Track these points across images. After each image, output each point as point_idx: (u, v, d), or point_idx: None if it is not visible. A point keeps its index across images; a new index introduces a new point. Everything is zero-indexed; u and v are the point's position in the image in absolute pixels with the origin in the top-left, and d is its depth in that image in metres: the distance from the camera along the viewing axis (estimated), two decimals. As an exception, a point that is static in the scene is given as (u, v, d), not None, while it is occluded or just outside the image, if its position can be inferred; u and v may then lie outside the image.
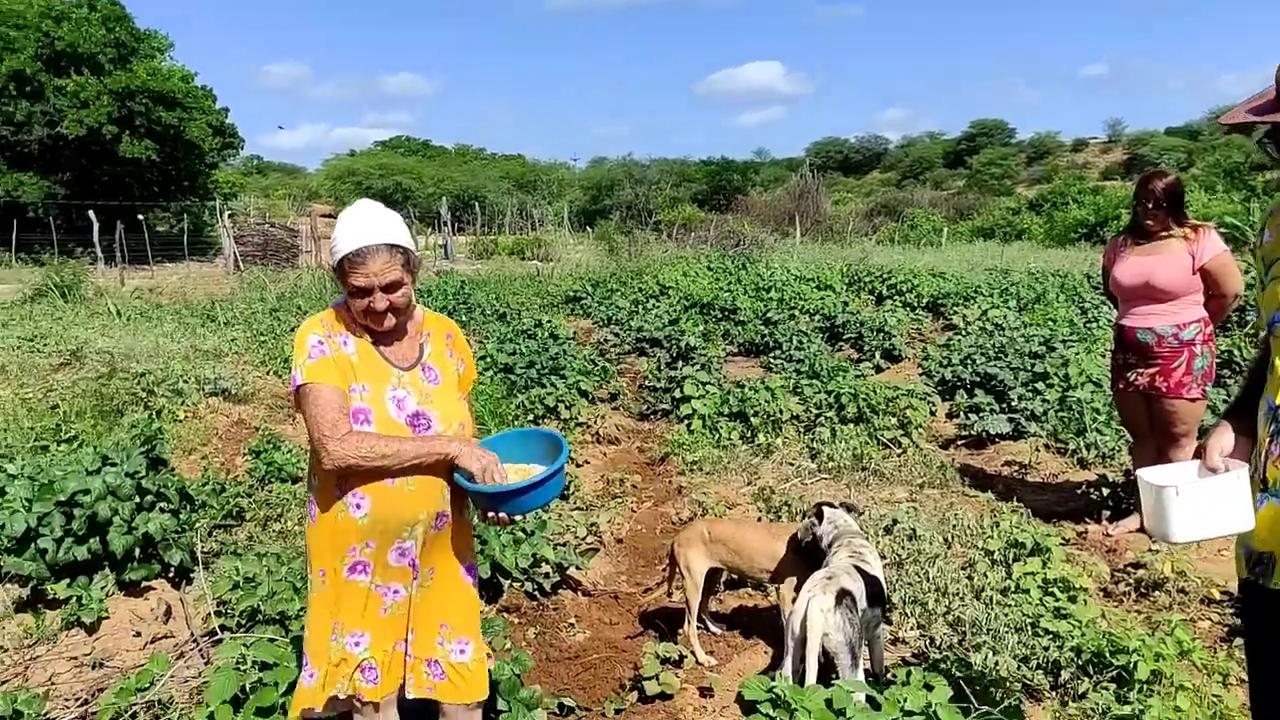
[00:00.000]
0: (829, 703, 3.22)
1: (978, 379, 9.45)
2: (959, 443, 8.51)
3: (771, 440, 8.34)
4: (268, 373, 11.17)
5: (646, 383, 10.81)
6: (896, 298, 16.67)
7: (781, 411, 8.72)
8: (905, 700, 3.13)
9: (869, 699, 3.37)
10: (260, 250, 29.03)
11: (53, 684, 4.36)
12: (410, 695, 3.01)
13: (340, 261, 2.75)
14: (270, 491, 6.92)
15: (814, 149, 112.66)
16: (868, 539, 4.23)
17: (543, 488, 2.74)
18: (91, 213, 26.39)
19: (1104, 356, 10.28)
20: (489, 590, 5.04)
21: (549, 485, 2.76)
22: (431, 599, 2.97)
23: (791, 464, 7.74)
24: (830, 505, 4.32)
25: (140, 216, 30.11)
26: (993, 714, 3.14)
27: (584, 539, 6.06)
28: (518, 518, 2.88)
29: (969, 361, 9.98)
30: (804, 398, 9.09)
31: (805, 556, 4.26)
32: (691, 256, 23.92)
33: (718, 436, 8.61)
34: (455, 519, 2.95)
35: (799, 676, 3.58)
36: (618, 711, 4.14)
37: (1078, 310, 14.12)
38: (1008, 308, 14.54)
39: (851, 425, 8.46)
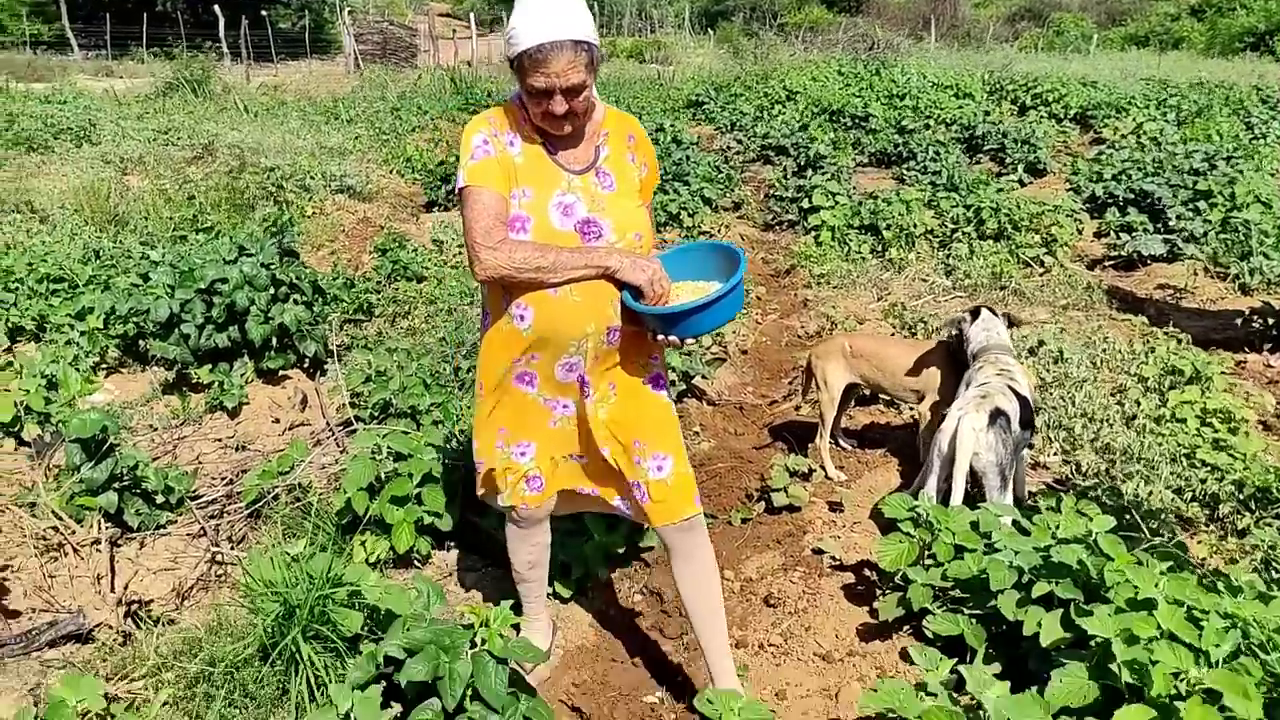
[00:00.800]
0: (974, 525, 3.09)
1: (1131, 196, 8.81)
2: (1106, 264, 8.02)
3: (904, 255, 7.99)
4: (391, 171, 11.16)
5: (772, 191, 10.44)
6: (1042, 108, 15.59)
7: (916, 225, 8.30)
8: (1058, 527, 2.96)
9: (1016, 524, 3.22)
10: (379, 49, 28.76)
11: (199, 463, 4.54)
12: (628, 514, 2.86)
13: (518, 57, 2.42)
14: (396, 289, 6.97)
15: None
16: (1017, 357, 3.98)
17: (717, 307, 2.43)
18: (217, 7, 26.37)
19: (1274, 175, 9.46)
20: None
21: (724, 304, 2.44)
22: (620, 417, 2.72)
23: (924, 280, 7.41)
24: (991, 310, 4.04)
25: (264, 12, 30.00)
26: (1156, 544, 2.96)
27: (709, 349, 5.95)
28: (689, 341, 2.57)
29: (1122, 177, 9.30)
30: (940, 211, 8.63)
31: (952, 375, 4.05)
32: (820, 60, 22.71)
33: (847, 250, 8.29)
34: (632, 331, 2.64)
35: (943, 496, 3.44)
36: (744, 521, 4.11)
37: (1243, 126, 12.98)
38: (1165, 121, 13.45)
39: (990, 242, 8.02)
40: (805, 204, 9.20)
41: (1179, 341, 5.42)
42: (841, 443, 4.70)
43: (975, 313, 4.04)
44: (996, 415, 3.39)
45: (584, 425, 2.74)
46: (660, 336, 2.53)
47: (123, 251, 6.17)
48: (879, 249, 8.23)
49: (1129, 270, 7.78)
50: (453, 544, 3.80)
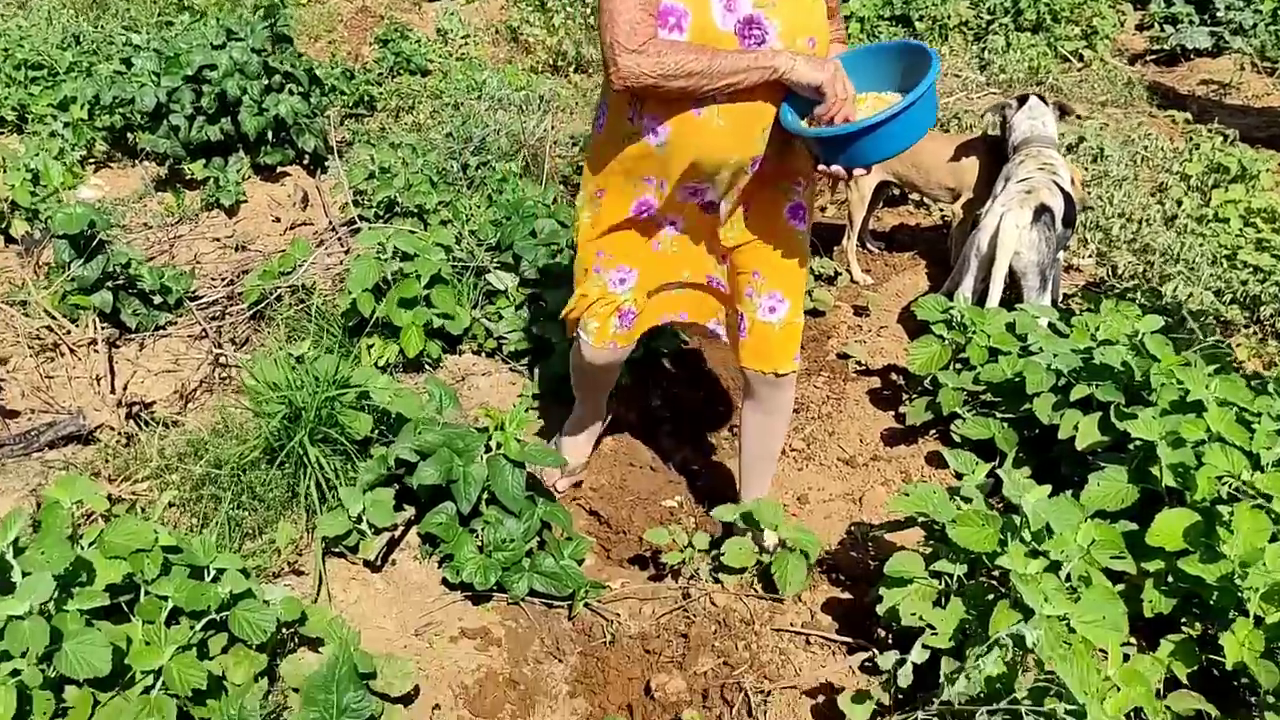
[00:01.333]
0: (1010, 326, 2.93)
1: (1179, -15, 8.21)
2: (1148, 58, 7.55)
3: (937, 49, 7.52)
4: (391, -43, 10.48)
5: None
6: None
7: (950, 16, 7.79)
8: (1098, 329, 2.80)
9: (1052, 327, 3.06)
10: None
11: (198, 263, 4.37)
12: (725, 340, 2.64)
13: None
14: (399, 83, 6.60)
15: None
16: (1060, 152, 3.72)
17: (903, 123, 1.94)
18: None
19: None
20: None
21: (912, 119, 1.95)
22: (744, 240, 2.40)
23: (957, 76, 7.00)
24: (1040, 98, 3.72)
25: None
26: (1204, 345, 2.80)
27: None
28: (860, 171, 2.10)
29: (1171, -36, 8.65)
30: (976, 2, 8.08)
31: (990, 170, 3.79)
32: None
33: (875, 38, 7.81)
34: (776, 154, 2.25)
35: (979, 297, 3.27)
36: (765, 323, 3.96)
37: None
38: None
39: (1028, 34, 7.54)
40: (831, -6, 8.64)
41: (1224, 139, 5.11)
42: (869, 245, 4.49)
43: (1023, 99, 3.74)
44: (1041, 212, 3.16)
45: (694, 245, 2.46)
46: (825, 166, 2.11)
47: (104, 37, 5.80)
48: (912, 36, 7.76)
49: (1171, 65, 7.34)
50: (464, 348, 3.67)
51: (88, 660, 1.89)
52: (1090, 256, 4.23)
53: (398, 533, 2.71)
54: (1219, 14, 7.59)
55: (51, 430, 3.21)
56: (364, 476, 2.65)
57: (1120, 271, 4.01)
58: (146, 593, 2.11)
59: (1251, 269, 3.85)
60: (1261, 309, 3.62)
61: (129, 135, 5.17)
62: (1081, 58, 7.29)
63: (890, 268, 4.33)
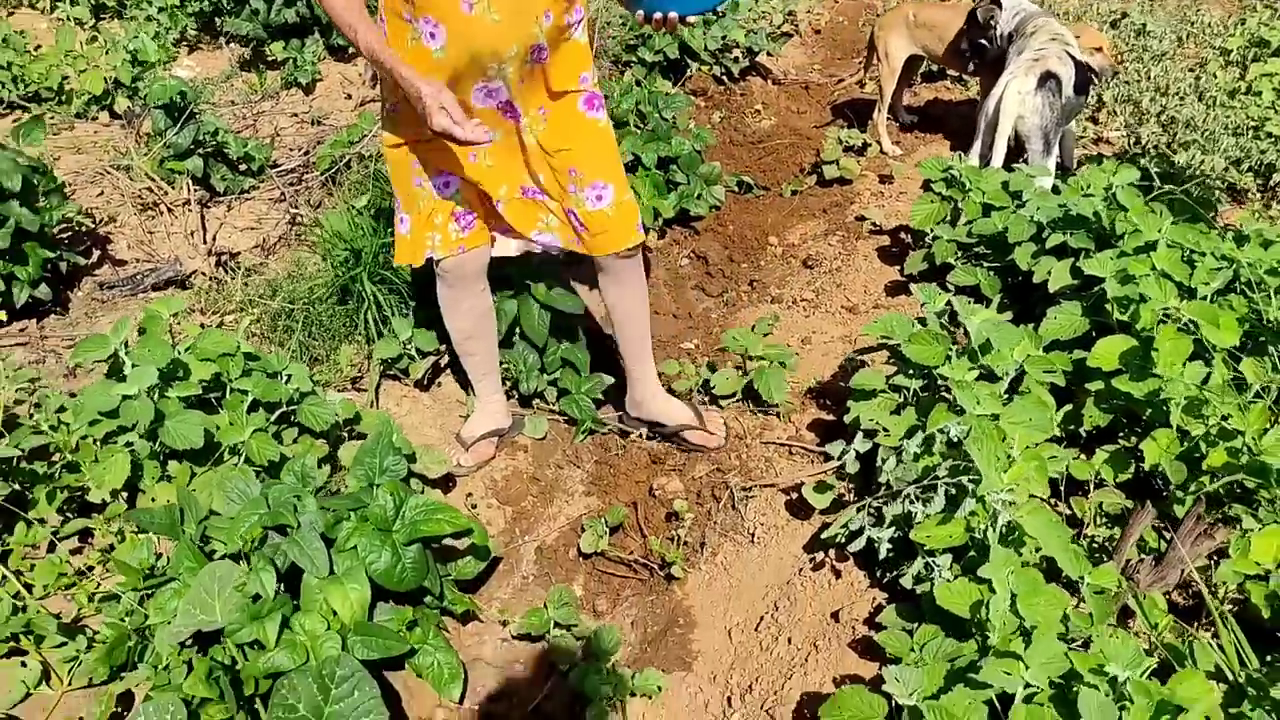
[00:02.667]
0: (1005, 185, 3.15)
1: None
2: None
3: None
4: None
5: None
6: None
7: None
8: (1089, 185, 3.01)
9: (1056, 190, 3.27)
10: None
11: (278, 135, 4.77)
12: (556, 245, 2.66)
13: None
14: None
15: None
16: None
17: None
18: None
19: None
20: (675, 72, 5.00)
21: None
22: (552, 142, 2.47)
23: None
24: (995, 3, 3.87)
25: None
26: (1175, 193, 2.99)
27: (779, 26, 5.80)
28: (691, 19, 2.16)
29: None
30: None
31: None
32: None
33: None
34: (558, 47, 2.36)
35: (984, 161, 3.49)
36: (794, 193, 4.22)
37: None
38: None
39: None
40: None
41: (1275, 11, 5.09)
42: (902, 117, 4.67)
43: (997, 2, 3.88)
44: (1046, 78, 3.35)
45: (507, 157, 2.49)
46: (649, 14, 2.15)
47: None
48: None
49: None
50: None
51: (185, 435, 2.34)
52: (1120, 129, 4.35)
53: (442, 360, 3.11)
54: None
55: (154, 274, 3.67)
56: (413, 309, 3.05)
57: (1144, 142, 4.15)
58: (230, 389, 2.54)
59: (1274, 139, 3.96)
60: (1275, 175, 3.75)
61: (216, 20, 5.55)
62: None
63: (920, 140, 4.52)
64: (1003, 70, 3.64)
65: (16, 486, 2.45)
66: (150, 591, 2.13)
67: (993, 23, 3.86)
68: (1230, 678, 1.76)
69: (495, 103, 2.39)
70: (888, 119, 4.45)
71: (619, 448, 2.91)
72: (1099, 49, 3.78)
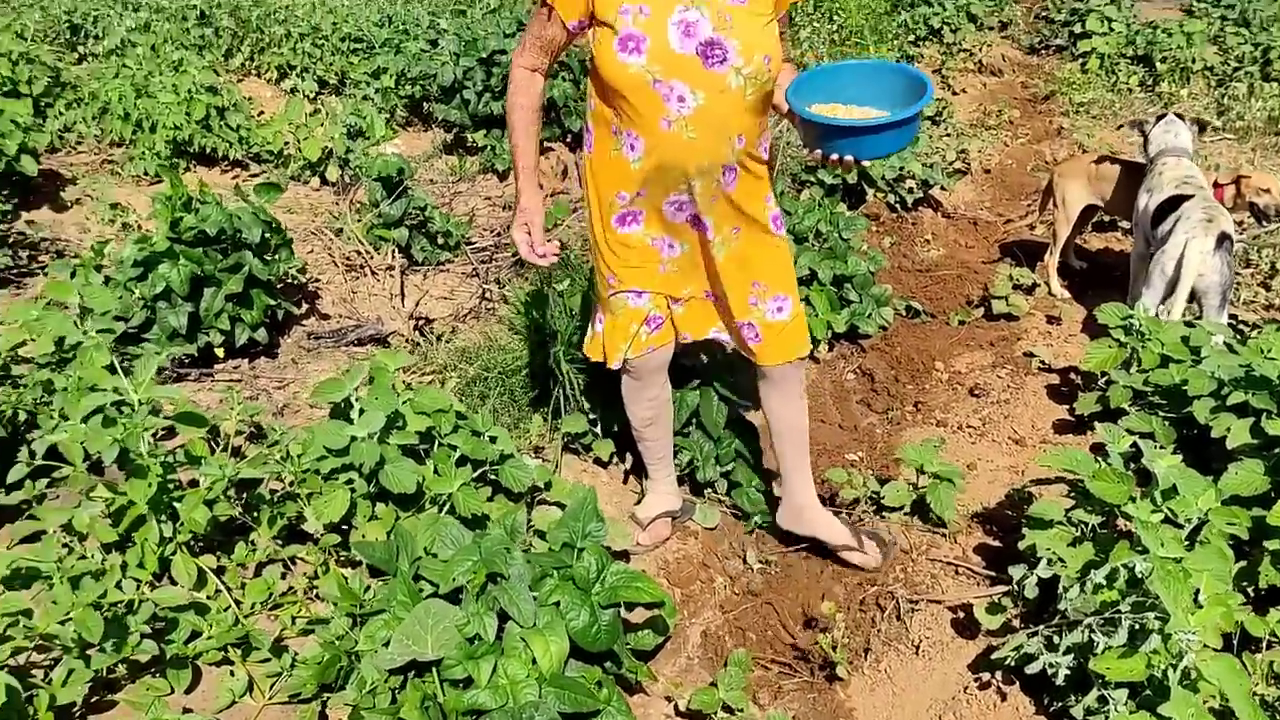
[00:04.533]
0: (1185, 339, 3.21)
1: None
2: None
3: (1175, 91, 7.54)
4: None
5: (1044, 13, 9.89)
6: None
7: (1194, 61, 7.77)
8: (1270, 348, 3.04)
9: (1228, 345, 3.31)
10: None
11: (473, 215, 5.13)
12: (733, 348, 2.83)
13: None
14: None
15: None
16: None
17: (893, 132, 2.17)
18: None
19: None
20: (851, 195, 5.21)
21: (900, 132, 2.18)
22: (741, 257, 2.60)
23: (1191, 117, 7.02)
24: (1178, 115, 4.10)
25: None
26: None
27: (951, 163, 5.98)
28: (865, 162, 2.36)
29: None
30: (1224, 48, 8.02)
31: (1126, 187, 4.13)
32: None
33: (1114, 80, 7.88)
34: (749, 171, 2.49)
35: (1160, 313, 3.55)
36: (961, 322, 4.32)
37: None
38: None
39: (1275, 85, 7.44)
40: (1077, 28, 8.72)
41: None
42: (1072, 263, 4.76)
43: (1160, 116, 4.12)
44: (1223, 239, 3.43)
45: (692, 265, 2.65)
46: (822, 154, 2.24)
47: (413, 19, 6.72)
48: (1149, 82, 7.79)
49: None
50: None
51: (401, 480, 2.55)
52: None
53: (622, 440, 3.29)
54: None
55: (357, 331, 3.98)
56: (599, 389, 3.25)
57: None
58: (440, 443, 2.76)
59: None
60: None
61: (424, 105, 6.03)
62: (1333, 111, 7.14)
63: (1088, 285, 4.58)
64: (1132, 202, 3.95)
65: (239, 510, 2.70)
66: (361, 619, 2.31)
67: (1145, 133, 4.14)
68: None
69: (685, 216, 2.54)
70: (1058, 262, 4.54)
71: (782, 546, 3.02)
72: (1267, 190, 3.89)
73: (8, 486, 2.74)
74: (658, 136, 2.35)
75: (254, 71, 6.49)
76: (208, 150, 5.35)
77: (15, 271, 4.22)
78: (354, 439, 2.56)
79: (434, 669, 2.08)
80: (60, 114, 5.59)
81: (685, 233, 2.59)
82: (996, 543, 2.87)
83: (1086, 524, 2.49)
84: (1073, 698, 2.19)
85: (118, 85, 5.53)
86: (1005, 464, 3.28)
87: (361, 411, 2.64)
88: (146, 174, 5.29)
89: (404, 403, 2.77)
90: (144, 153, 5.32)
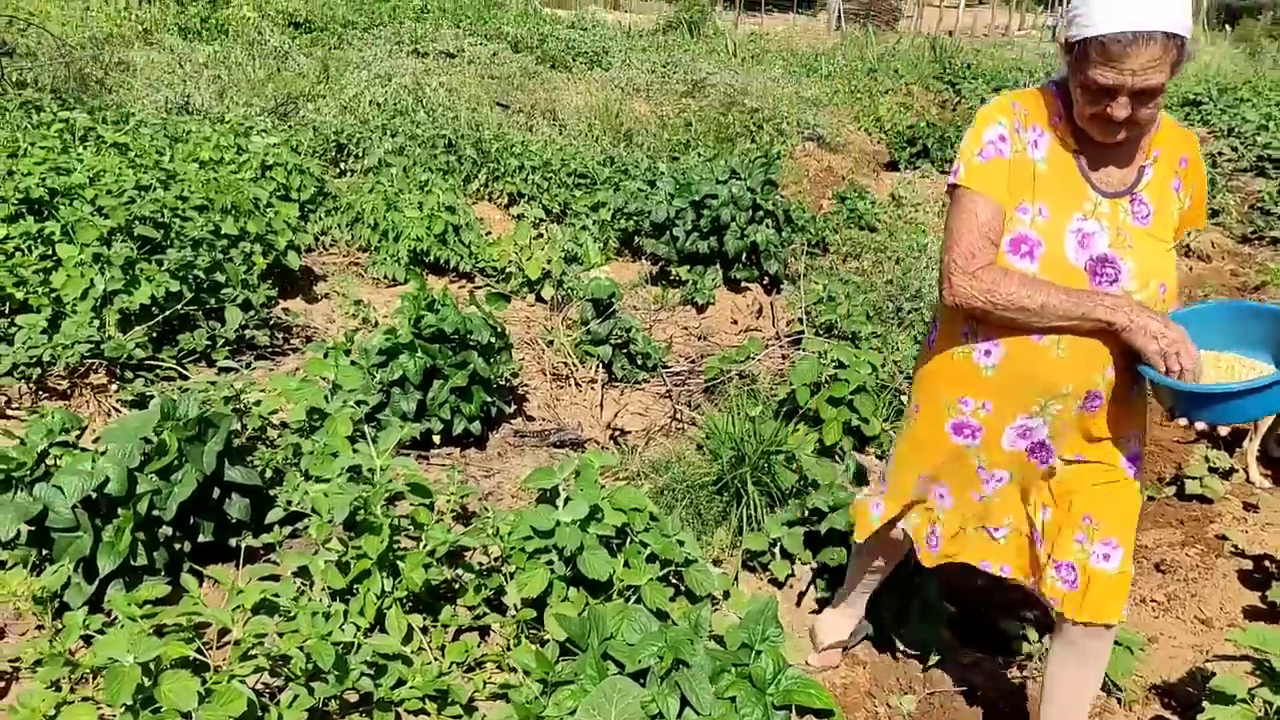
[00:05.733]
0: (1396, 539, 3.12)
1: None
2: None
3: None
4: (859, 128, 11.70)
5: (1259, 204, 9.72)
6: None
7: None
8: None
9: None
10: (864, 9, 29.19)
11: (670, 342, 5.45)
12: (1040, 593, 2.43)
13: (1084, 42, 1.97)
14: (849, 235, 7.54)
15: None
16: None
17: (1264, 394, 1.92)
18: (720, -44, 28.19)
19: None
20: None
21: (1273, 392, 1.92)
22: (1079, 485, 2.29)
23: None
24: None
25: (760, -36, 31.55)
26: None
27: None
28: (1222, 429, 2.08)
29: None
30: None
31: None
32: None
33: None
34: (1116, 397, 2.19)
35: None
36: (1150, 499, 4.27)
37: None
38: None
39: None
40: (1294, 220, 8.56)
41: None
42: (1273, 452, 4.63)
43: None
44: None
45: (1021, 497, 2.39)
46: (1180, 419, 2.05)
47: (632, 161, 7.28)
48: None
49: None
50: (871, 450, 4.35)
51: (597, 567, 2.78)
52: None
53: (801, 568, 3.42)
54: None
55: (559, 434, 4.30)
56: (785, 514, 3.41)
57: None
58: (632, 540, 2.98)
59: None
60: None
61: (635, 238, 6.49)
62: None
63: (1290, 477, 4.45)
64: None
65: (451, 575, 2.98)
66: (550, 688, 2.51)
67: None
68: None
69: (1027, 444, 2.29)
70: (1259, 452, 4.44)
71: (949, 684, 3.05)
72: None
73: (259, 530, 3.12)
74: (1023, 348, 2.16)
75: (487, 197, 7.14)
76: (441, 261, 5.91)
77: (271, 350, 4.76)
78: (559, 523, 2.81)
79: (615, 739, 2.24)
80: (320, 219, 6.31)
81: (1021, 463, 2.33)
82: (1174, 717, 2.83)
83: (1271, 705, 2.45)
84: None
85: (371, 199, 6.22)
86: (1189, 643, 3.22)
87: (568, 500, 2.89)
88: (386, 277, 5.88)
89: (604, 498, 3.01)
90: (386, 258, 5.93)
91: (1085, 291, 2.08)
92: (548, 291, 5.78)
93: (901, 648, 3.12)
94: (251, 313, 4.77)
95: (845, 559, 3.22)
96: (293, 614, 2.57)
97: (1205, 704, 2.53)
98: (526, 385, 4.77)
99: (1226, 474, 4.36)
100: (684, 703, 2.28)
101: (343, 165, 7.40)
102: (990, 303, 2.11)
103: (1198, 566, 3.62)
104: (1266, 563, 3.59)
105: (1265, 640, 2.50)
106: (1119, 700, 2.91)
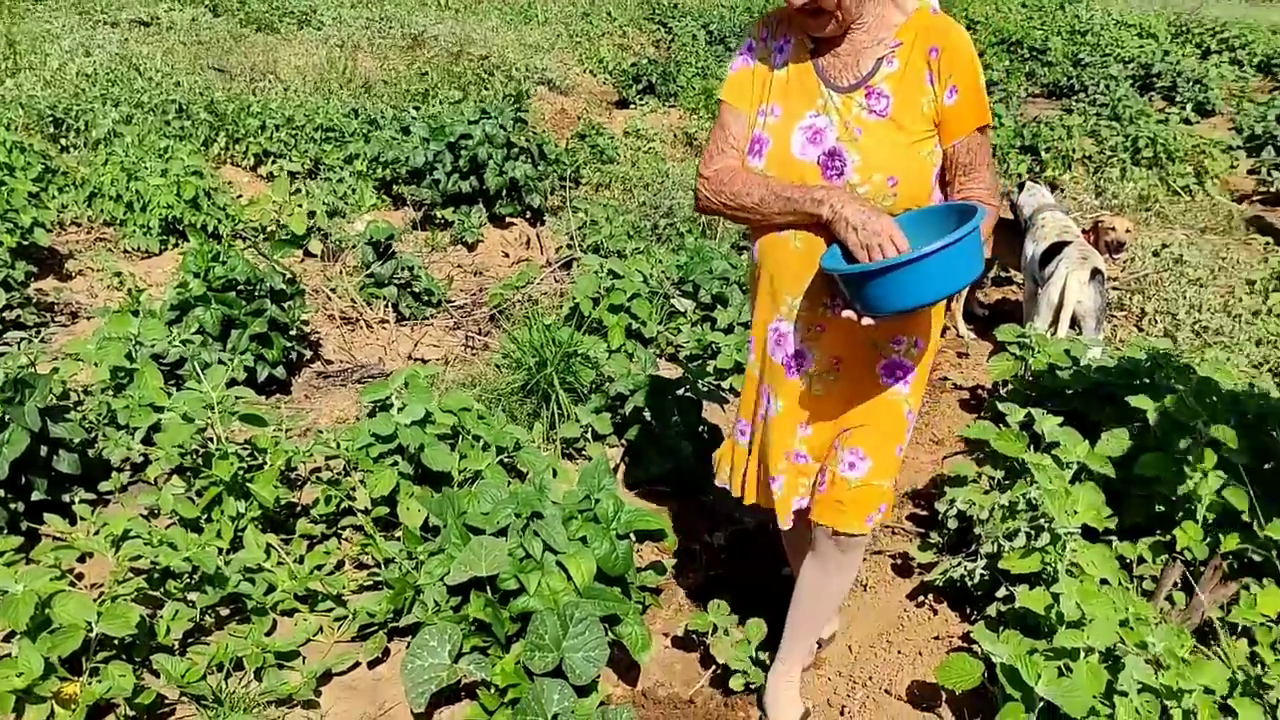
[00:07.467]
0: (1067, 350, 3.93)
1: (1291, 136, 9.07)
2: (1254, 198, 8.40)
3: (1059, 176, 8.57)
4: (585, 70, 12.16)
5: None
6: (1225, 53, 15.40)
7: (1074, 150, 8.85)
8: (1131, 355, 3.77)
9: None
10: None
11: (450, 278, 5.71)
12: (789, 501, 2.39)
13: None
14: (598, 168, 8.00)
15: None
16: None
17: (918, 275, 1.82)
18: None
19: None
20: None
21: (944, 261, 1.79)
22: (834, 392, 2.26)
23: (1074, 199, 8.01)
24: (1033, 180, 4.95)
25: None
26: (1203, 360, 3.75)
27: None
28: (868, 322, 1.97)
29: (1286, 118, 9.51)
30: (1099, 139, 9.12)
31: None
32: (1003, -7, 22.47)
33: (1005, 167, 8.89)
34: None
35: (1050, 332, 4.29)
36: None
37: None
38: (1353, 73, 13.24)
39: (1144, 169, 8.51)
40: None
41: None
42: (975, 310, 5.53)
43: (1020, 185, 5.04)
44: (1095, 273, 4.22)
45: (786, 418, 2.33)
46: (863, 317, 1.96)
47: (377, 111, 7.38)
48: (1036, 169, 8.81)
49: (1275, 205, 8.18)
50: (656, 350, 4.82)
51: (441, 459, 3.08)
52: (1159, 334, 5.16)
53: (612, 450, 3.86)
54: (1325, 163, 8.43)
55: (361, 370, 4.50)
56: (593, 402, 3.83)
57: (1179, 343, 4.94)
58: (464, 436, 3.30)
59: (1294, 349, 4.74)
60: (1291, 377, 4.51)
61: (393, 186, 6.65)
62: (1190, 193, 8.21)
63: (989, 327, 5.34)
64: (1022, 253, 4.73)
65: (295, 497, 3.20)
66: (417, 565, 2.82)
67: (1013, 198, 4.86)
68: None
69: (784, 355, 2.29)
70: (964, 311, 5.30)
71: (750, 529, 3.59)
72: (1112, 228, 4.84)
73: (90, 486, 3.21)
74: (770, 244, 2.20)
75: (230, 160, 7.03)
76: (197, 226, 5.85)
77: (38, 328, 4.65)
78: (399, 425, 3.10)
79: (487, 587, 2.59)
80: (54, 197, 6.05)
81: (779, 379, 2.31)
82: (924, 511, 3.50)
83: (993, 478, 3.13)
84: (987, 605, 2.79)
85: (109, 170, 6.03)
86: (928, 460, 3.93)
87: (404, 406, 3.18)
88: (139, 249, 5.76)
89: (433, 404, 3.31)
90: (135, 230, 5.80)
91: (800, 185, 2.08)
92: (315, 245, 5.87)
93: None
94: (14, 292, 4.64)
95: (648, 437, 3.69)
96: (158, 540, 2.73)
97: (946, 488, 3.18)
98: (318, 332, 4.91)
99: (943, 331, 5.17)
100: (544, 547, 2.65)
101: (64, 141, 7.06)
102: (721, 203, 2.20)
103: (928, 402, 4.37)
104: (979, 391, 4.38)
105: (984, 430, 3.18)
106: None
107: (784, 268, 2.19)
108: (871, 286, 1.88)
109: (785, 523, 2.40)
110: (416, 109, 8.30)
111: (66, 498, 3.17)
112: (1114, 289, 5.59)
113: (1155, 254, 5.99)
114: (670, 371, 4.70)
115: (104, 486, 3.19)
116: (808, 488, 2.37)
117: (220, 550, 2.91)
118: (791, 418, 2.32)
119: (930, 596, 2.96)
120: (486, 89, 9.72)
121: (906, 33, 2.07)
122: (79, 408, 3.58)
